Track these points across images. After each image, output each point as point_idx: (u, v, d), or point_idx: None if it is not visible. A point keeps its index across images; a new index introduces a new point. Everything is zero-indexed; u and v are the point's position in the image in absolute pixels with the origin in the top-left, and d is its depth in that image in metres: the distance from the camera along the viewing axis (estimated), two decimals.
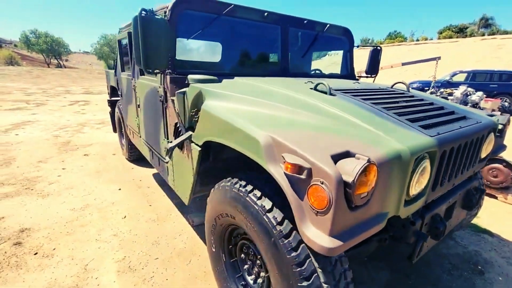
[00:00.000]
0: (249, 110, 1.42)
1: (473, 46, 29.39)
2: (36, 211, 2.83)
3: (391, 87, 2.30)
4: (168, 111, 2.05)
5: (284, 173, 1.01)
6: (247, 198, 1.29)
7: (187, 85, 1.87)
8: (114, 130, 5.03)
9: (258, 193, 1.27)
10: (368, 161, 0.91)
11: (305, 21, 2.65)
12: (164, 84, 2.00)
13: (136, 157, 4.29)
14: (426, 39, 42.78)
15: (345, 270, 1.17)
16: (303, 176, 0.95)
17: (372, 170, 0.93)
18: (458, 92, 8.54)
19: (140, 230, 2.59)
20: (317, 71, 3.08)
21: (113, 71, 4.41)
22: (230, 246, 1.67)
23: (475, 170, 1.80)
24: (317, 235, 0.93)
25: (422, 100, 1.88)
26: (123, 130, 4.44)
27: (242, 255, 1.61)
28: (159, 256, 2.26)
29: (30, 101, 10.44)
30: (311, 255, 1.10)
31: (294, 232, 1.13)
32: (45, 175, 3.73)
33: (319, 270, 1.09)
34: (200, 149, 1.65)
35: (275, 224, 1.16)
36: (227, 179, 1.51)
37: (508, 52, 25.16)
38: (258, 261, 1.46)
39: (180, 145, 1.91)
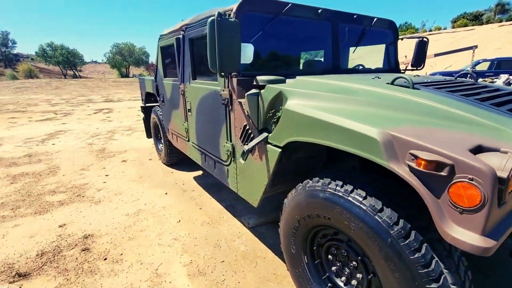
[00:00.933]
0: (342, 108, 1.39)
1: (490, 33, 28.32)
2: (94, 218, 2.90)
3: (455, 78, 2.21)
4: (233, 113, 2.05)
5: (415, 170, 0.97)
6: (349, 198, 1.26)
7: (255, 87, 1.86)
8: (148, 136, 5.11)
9: (363, 193, 1.23)
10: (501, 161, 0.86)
11: (355, 16, 2.60)
12: (229, 87, 1.99)
13: (174, 162, 4.34)
14: (439, 29, 41.57)
15: (467, 269, 1.12)
16: (443, 173, 0.91)
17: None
18: (500, 81, 8.22)
19: (198, 233, 2.60)
20: (360, 67, 3.02)
21: (148, 77, 4.49)
22: (315, 248, 1.64)
23: None
24: (467, 234, 0.88)
25: (499, 89, 1.79)
26: (160, 135, 4.51)
27: (330, 256, 1.57)
28: (224, 259, 2.25)
29: (57, 111, 10.78)
30: (435, 255, 1.06)
31: (414, 231, 1.09)
32: (92, 182, 3.82)
33: (445, 271, 1.05)
34: (280, 150, 1.63)
35: (391, 224, 1.12)
36: (315, 179, 1.48)
37: None
38: (354, 263, 1.42)
39: (242, 152, 1.90)
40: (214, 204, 3.16)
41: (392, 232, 1.11)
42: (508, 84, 7.94)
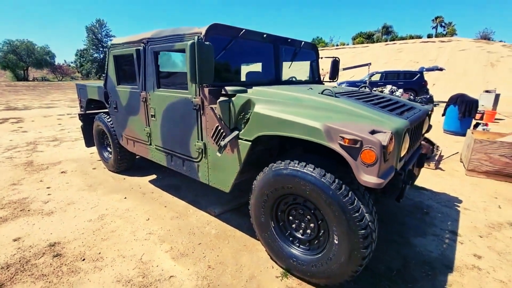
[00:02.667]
0: (294, 111, 2.01)
1: (379, 50, 35.02)
2: (53, 228, 2.83)
3: (359, 89, 3.16)
4: (204, 117, 2.47)
5: (343, 146, 1.65)
6: (304, 170, 1.88)
7: (224, 95, 2.35)
8: (88, 145, 4.91)
9: (312, 166, 1.88)
10: (391, 133, 1.62)
11: (289, 40, 3.35)
12: (201, 95, 2.42)
13: (124, 168, 4.35)
14: (344, 44, 48.98)
15: (373, 205, 1.87)
16: (357, 146, 1.60)
17: (392, 139, 1.64)
18: (387, 90, 10.72)
19: (170, 226, 2.89)
20: (293, 78, 3.81)
21: (94, 84, 4.39)
22: (279, 214, 2.22)
23: (420, 141, 2.76)
24: (370, 178, 1.60)
25: (384, 97, 2.75)
26: (106, 142, 4.44)
27: (290, 217, 2.18)
28: (200, 241, 2.64)
29: None
30: (356, 197, 1.76)
31: (344, 185, 1.78)
32: (33, 196, 3.55)
33: (362, 205, 1.76)
34: (250, 143, 2.16)
35: (331, 182, 1.78)
36: (278, 162, 2.07)
37: (406, 55, 30.82)
38: (308, 217, 2.05)
39: (219, 148, 2.37)
40: (177, 202, 3.45)
41: (332, 187, 1.78)
42: (391, 93, 10.38)
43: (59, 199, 3.49)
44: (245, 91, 2.36)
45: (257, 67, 3.63)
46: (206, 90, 2.39)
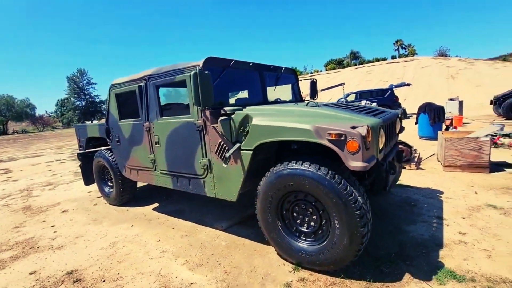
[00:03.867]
0: (286, 118, 2.38)
1: (350, 74, 37.52)
2: (66, 259, 2.90)
3: (337, 101, 3.62)
4: (207, 136, 2.79)
5: (330, 140, 2.00)
6: (302, 167, 2.20)
7: (223, 115, 2.70)
8: (88, 183, 5.03)
9: (308, 164, 2.20)
10: (368, 126, 2.00)
11: (271, 67, 3.84)
12: (203, 117, 2.76)
13: (126, 200, 4.47)
14: (317, 71, 52.08)
15: (363, 191, 2.18)
16: (342, 138, 1.96)
17: (369, 130, 2.02)
18: (362, 103, 11.63)
19: (181, 243, 3.03)
20: (279, 99, 4.26)
21: (91, 123, 4.65)
22: (284, 212, 2.47)
23: (396, 140, 3.18)
24: (357, 164, 1.93)
25: (359, 105, 3.21)
26: (107, 177, 4.59)
27: (294, 214, 2.44)
28: (212, 252, 2.80)
29: None
30: (349, 185, 2.08)
31: (337, 175, 2.10)
32: (38, 235, 3.60)
33: (354, 189, 2.08)
34: (251, 152, 2.47)
35: (326, 174, 2.10)
36: (278, 165, 2.38)
37: (375, 76, 33.13)
38: (310, 210, 2.32)
39: (223, 159, 2.67)
40: (184, 223, 3.60)
41: (327, 178, 2.09)
42: None
43: (66, 234, 3.55)
44: (241, 110, 2.73)
45: (243, 94, 4.07)
46: (207, 112, 2.74)
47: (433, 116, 7.78)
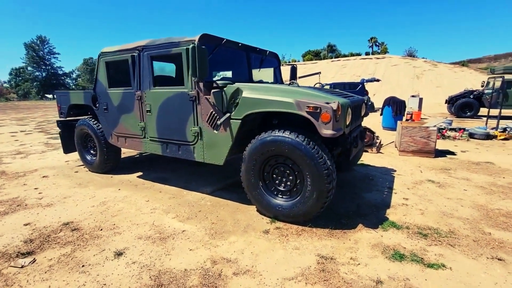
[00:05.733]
0: (271, 93, 2.76)
1: (327, 66, 38.63)
2: (59, 214, 3.10)
3: (314, 85, 4.08)
4: (200, 106, 3.09)
5: (308, 112, 2.44)
6: (283, 135, 2.62)
7: (215, 87, 3.01)
8: (67, 151, 5.07)
9: (288, 132, 2.62)
10: (338, 103, 2.46)
11: (257, 49, 4.17)
12: (197, 88, 3.05)
13: (110, 168, 4.62)
14: (295, 61, 52.75)
15: (331, 156, 2.67)
16: (318, 111, 2.40)
17: (339, 106, 2.47)
18: None
19: (170, 203, 3.35)
20: (262, 81, 4.62)
21: (75, 90, 4.66)
22: (265, 174, 2.90)
23: (360, 121, 3.73)
24: (328, 132, 2.39)
25: (333, 90, 3.69)
26: (91, 144, 4.68)
27: (274, 175, 2.87)
28: (200, 210, 3.17)
29: None
30: (320, 150, 2.54)
31: (311, 141, 2.55)
32: (23, 195, 3.69)
33: (325, 156, 2.55)
34: (240, 121, 2.84)
35: (303, 140, 2.54)
36: (262, 133, 2.78)
37: (349, 70, 34.46)
38: (287, 171, 2.77)
39: (215, 126, 3.01)
40: (170, 188, 3.90)
41: (303, 143, 2.53)
42: None
43: (53, 195, 3.69)
44: (232, 83, 3.06)
45: (227, 74, 4.36)
46: (201, 84, 3.03)
47: (396, 109, 8.65)
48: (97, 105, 4.21)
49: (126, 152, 6.06)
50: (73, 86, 60.58)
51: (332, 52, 59.38)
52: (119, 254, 2.30)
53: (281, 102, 2.59)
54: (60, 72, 56.50)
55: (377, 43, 60.38)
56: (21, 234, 2.66)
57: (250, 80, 3.97)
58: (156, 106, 3.47)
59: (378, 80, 18.16)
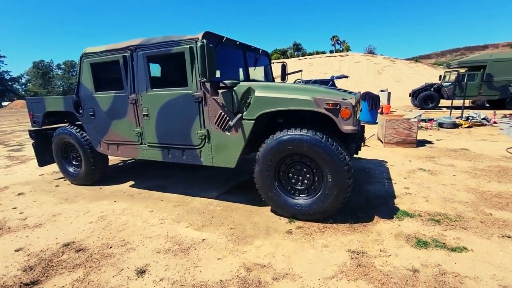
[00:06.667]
0: (285, 92, 2.71)
1: (294, 64, 39.48)
2: (54, 234, 2.76)
3: (294, 82, 4.12)
4: (207, 107, 2.95)
5: (327, 109, 2.44)
6: (301, 133, 2.59)
7: (223, 88, 2.89)
8: (42, 164, 4.58)
9: (306, 130, 2.60)
10: (355, 98, 2.49)
11: (252, 47, 4.10)
12: (203, 89, 2.90)
13: (97, 178, 4.24)
14: None
15: (347, 153, 2.70)
16: (337, 107, 2.41)
17: (356, 102, 2.51)
18: None
19: (178, 212, 3.16)
20: (255, 79, 4.56)
21: (55, 96, 4.21)
22: (281, 174, 2.85)
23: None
24: (349, 128, 2.42)
25: (332, 87, 3.75)
26: (74, 155, 4.26)
27: (290, 175, 2.84)
28: (212, 215, 3.03)
29: None
30: (339, 147, 2.56)
31: (330, 138, 2.56)
32: (2, 217, 3.23)
33: (345, 152, 2.57)
34: (253, 121, 2.76)
35: (322, 138, 2.54)
36: (278, 132, 2.72)
37: (316, 67, 35.58)
38: (304, 170, 2.75)
39: (226, 128, 2.89)
40: (171, 196, 3.68)
41: (322, 141, 2.53)
42: None
43: (38, 214, 3.28)
44: (239, 83, 2.96)
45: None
46: (207, 84, 2.89)
47: (371, 103, 9.10)
48: (81, 111, 3.83)
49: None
50: (23, 92, 54.96)
51: (298, 50, 60.92)
52: (141, 272, 2.10)
53: (299, 100, 2.56)
54: (7, 77, 50.82)
55: (339, 41, 63.13)
56: (15, 262, 2.32)
57: (247, 79, 3.89)
58: (155, 109, 3.24)
59: (346, 77, 18.87)
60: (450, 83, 13.11)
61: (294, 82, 4.94)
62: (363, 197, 3.36)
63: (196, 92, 2.96)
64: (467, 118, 8.41)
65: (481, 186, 3.59)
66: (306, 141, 2.58)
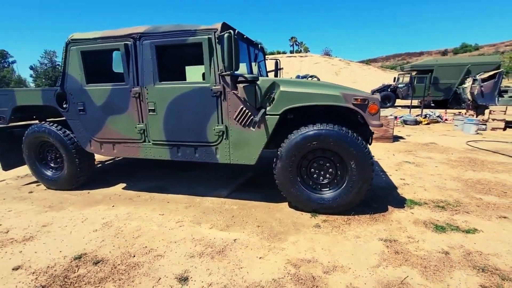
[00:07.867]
0: (310, 87, 2.72)
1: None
2: (55, 247, 2.38)
3: (311, 78, 4.21)
4: (226, 102, 2.81)
5: (355, 104, 2.52)
6: (328, 128, 2.64)
7: (243, 82, 2.80)
8: (7, 168, 3.94)
9: (331, 125, 2.65)
10: (379, 95, 2.61)
11: (253, 41, 4.03)
12: (223, 83, 2.77)
13: (83, 181, 3.78)
14: None
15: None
16: (365, 102, 2.51)
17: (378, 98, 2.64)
18: None
19: (192, 213, 2.97)
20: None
21: (29, 88, 3.60)
22: (303, 169, 2.86)
23: None
24: (376, 122, 2.53)
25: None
26: (51, 157, 3.73)
27: (312, 170, 2.86)
28: (232, 214, 2.91)
29: None
30: (359, 139, 2.66)
31: (354, 133, 2.64)
32: None
33: (366, 145, 2.68)
34: (278, 116, 2.71)
35: (348, 132, 2.61)
36: (301, 128, 2.73)
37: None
38: (327, 164, 2.80)
39: (249, 124, 2.80)
40: (176, 197, 3.44)
41: (348, 135, 2.61)
42: None
43: (23, 225, 2.80)
44: (258, 78, 2.88)
45: None
46: (228, 78, 2.76)
47: None
48: (66, 105, 3.36)
49: None
50: None
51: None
52: (183, 279, 1.93)
53: (327, 95, 2.60)
54: None
55: (297, 43, 65.48)
56: (20, 283, 1.94)
57: (251, 73, 3.82)
58: (163, 104, 2.99)
59: (312, 77, 19.83)
60: (404, 85, 14.52)
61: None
62: (370, 190, 3.54)
63: (215, 85, 2.81)
64: (426, 116, 9.42)
65: (461, 175, 4.05)
66: (332, 136, 2.62)
